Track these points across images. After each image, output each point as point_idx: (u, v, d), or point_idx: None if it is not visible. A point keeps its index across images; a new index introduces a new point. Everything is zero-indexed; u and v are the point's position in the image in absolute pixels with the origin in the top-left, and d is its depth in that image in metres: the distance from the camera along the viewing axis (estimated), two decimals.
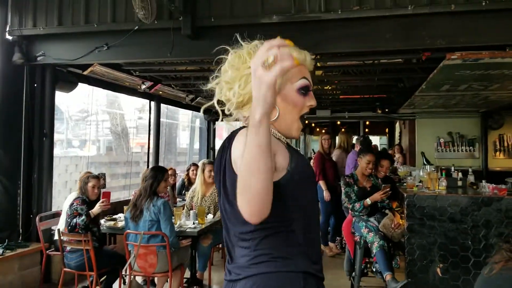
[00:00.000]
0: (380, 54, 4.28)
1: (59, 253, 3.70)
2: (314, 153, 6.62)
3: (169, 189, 4.78)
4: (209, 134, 9.18)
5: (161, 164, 6.86)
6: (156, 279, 3.82)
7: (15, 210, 4.25)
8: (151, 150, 6.69)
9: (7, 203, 4.19)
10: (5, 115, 4.17)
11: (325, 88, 6.56)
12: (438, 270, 3.53)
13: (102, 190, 4.00)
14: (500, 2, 3.28)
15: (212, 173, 4.26)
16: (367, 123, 10.68)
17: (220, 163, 1.14)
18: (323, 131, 11.92)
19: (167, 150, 9.02)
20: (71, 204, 3.66)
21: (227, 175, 1.10)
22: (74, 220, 3.55)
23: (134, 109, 8.63)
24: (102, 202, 3.66)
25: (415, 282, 3.55)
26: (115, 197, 6.13)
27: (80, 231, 3.53)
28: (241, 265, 1.12)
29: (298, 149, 6.89)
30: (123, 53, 4.13)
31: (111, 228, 3.93)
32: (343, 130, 7.52)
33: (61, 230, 3.63)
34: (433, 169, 4.06)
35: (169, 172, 4.78)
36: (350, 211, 3.96)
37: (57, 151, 6.13)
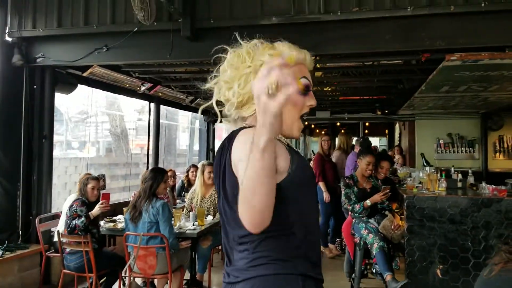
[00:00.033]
0: (379, 55, 4.27)
1: (58, 254, 3.70)
2: (314, 154, 6.61)
3: (168, 190, 4.77)
4: (209, 135, 9.18)
5: (160, 165, 6.86)
6: (155, 281, 3.81)
7: (14, 212, 4.24)
8: (150, 152, 6.68)
9: (7, 205, 4.18)
10: (5, 117, 4.16)
11: (325, 89, 6.56)
12: (438, 271, 3.52)
13: (102, 192, 3.99)
14: (499, 3, 3.29)
15: (212, 175, 4.26)
16: (367, 124, 10.67)
17: (219, 164, 1.12)
18: (323, 132, 11.98)
19: (167, 152, 9.00)
20: (71, 206, 3.65)
21: (227, 178, 1.09)
22: (74, 222, 3.54)
23: (134, 111, 8.62)
24: (102, 203, 3.65)
25: (415, 284, 3.54)
26: (114, 198, 6.12)
27: (79, 232, 3.53)
28: (239, 268, 1.11)
29: (298, 150, 6.87)
30: (122, 54, 4.13)
31: (111, 229, 3.93)
32: (342, 131, 7.51)
33: (60, 231, 3.63)
34: (433, 170, 4.05)
35: (169, 174, 4.78)
36: (350, 213, 3.96)
37: (56, 152, 6.12)
